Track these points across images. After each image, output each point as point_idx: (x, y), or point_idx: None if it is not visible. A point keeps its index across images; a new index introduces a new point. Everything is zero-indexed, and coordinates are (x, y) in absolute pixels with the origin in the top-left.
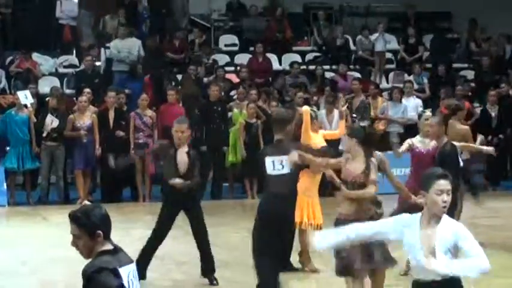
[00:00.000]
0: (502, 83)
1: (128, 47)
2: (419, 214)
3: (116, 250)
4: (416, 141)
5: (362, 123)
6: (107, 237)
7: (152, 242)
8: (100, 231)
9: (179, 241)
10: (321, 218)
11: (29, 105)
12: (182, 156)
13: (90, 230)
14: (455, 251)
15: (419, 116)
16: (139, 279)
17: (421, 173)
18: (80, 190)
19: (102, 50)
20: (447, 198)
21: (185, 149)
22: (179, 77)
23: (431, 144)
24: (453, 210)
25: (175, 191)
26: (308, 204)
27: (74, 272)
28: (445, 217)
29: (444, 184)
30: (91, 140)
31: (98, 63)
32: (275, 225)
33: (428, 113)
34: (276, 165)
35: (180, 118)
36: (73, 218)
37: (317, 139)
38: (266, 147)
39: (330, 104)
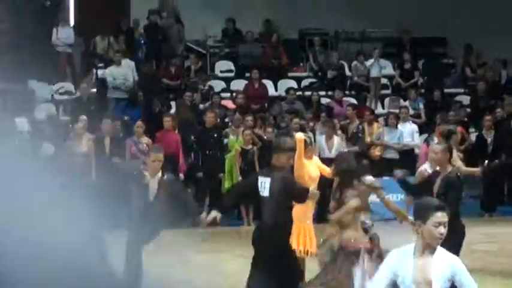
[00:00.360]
0: (497, 108)
1: (123, 74)
2: (412, 245)
3: None
4: (428, 167)
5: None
6: None
7: None
8: None
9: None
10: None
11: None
12: (154, 185)
13: None
14: (449, 284)
15: (428, 143)
16: None
17: None
18: None
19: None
20: (444, 230)
21: (158, 177)
22: (175, 103)
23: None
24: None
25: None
26: (302, 230)
27: None
28: (440, 248)
29: (442, 216)
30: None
31: (93, 90)
32: (264, 255)
33: (436, 141)
34: (261, 186)
35: (156, 146)
36: None
37: (311, 166)
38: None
39: (329, 129)
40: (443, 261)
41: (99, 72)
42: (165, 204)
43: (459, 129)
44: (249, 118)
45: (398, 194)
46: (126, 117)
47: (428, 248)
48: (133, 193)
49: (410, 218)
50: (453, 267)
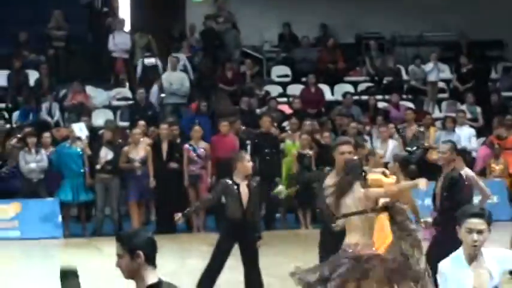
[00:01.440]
0: None
1: (179, 79)
2: (460, 251)
3: (160, 284)
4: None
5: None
6: (149, 260)
7: (210, 273)
8: (140, 252)
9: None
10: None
11: (83, 138)
12: (244, 190)
13: (131, 249)
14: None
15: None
16: None
17: None
18: (134, 221)
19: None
20: (477, 237)
21: (246, 181)
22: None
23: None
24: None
25: (236, 223)
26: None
27: None
28: (486, 251)
29: (475, 223)
30: (145, 171)
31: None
32: None
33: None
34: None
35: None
36: (117, 237)
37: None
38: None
39: (385, 133)
40: (493, 262)
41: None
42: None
43: None
44: (308, 122)
45: None
46: (196, 121)
47: (470, 256)
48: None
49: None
50: (501, 259)
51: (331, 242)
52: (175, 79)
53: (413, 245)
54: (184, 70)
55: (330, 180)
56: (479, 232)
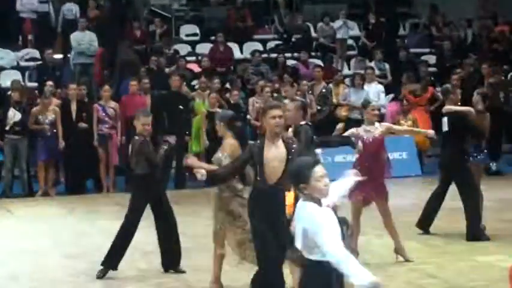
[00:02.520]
0: (463, 66)
1: (88, 39)
2: None
3: None
4: (361, 130)
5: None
6: None
7: (125, 234)
8: None
9: (144, 231)
10: None
11: None
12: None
13: None
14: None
15: (364, 105)
16: (113, 270)
17: (366, 161)
18: (41, 182)
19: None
20: None
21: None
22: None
23: (376, 132)
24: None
25: (146, 182)
26: None
27: (39, 264)
28: None
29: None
30: (54, 132)
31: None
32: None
33: (373, 102)
34: None
35: (145, 111)
36: None
37: None
38: None
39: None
40: None
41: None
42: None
43: (430, 89)
44: (216, 81)
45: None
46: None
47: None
48: None
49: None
50: None
51: None
52: (84, 39)
53: (242, 204)
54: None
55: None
56: None
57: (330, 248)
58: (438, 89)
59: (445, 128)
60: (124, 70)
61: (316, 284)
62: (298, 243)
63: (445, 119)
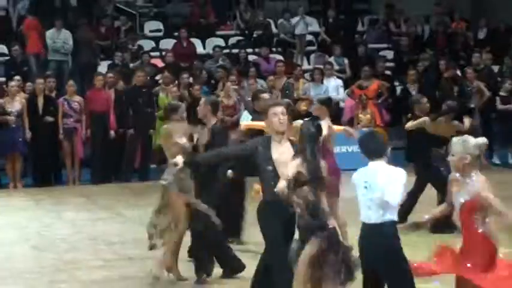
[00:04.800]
0: (420, 61)
1: (63, 37)
2: None
3: None
4: None
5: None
6: None
7: None
8: None
9: (109, 222)
10: None
11: None
12: None
13: None
14: None
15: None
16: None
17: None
18: (10, 174)
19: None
20: None
21: None
22: (106, 63)
23: None
24: None
25: None
26: None
27: (6, 255)
28: None
29: None
30: (20, 124)
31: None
32: None
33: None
34: None
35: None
36: None
37: None
38: None
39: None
40: None
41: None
42: None
43: (376, 82)
44: (185, 75)
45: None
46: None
47: None
48: None
49: None
50: None
51: None
52: (59, 37)
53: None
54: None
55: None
56: None
57: None
58: (396, 83)
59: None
60: (81, 50)
61: None
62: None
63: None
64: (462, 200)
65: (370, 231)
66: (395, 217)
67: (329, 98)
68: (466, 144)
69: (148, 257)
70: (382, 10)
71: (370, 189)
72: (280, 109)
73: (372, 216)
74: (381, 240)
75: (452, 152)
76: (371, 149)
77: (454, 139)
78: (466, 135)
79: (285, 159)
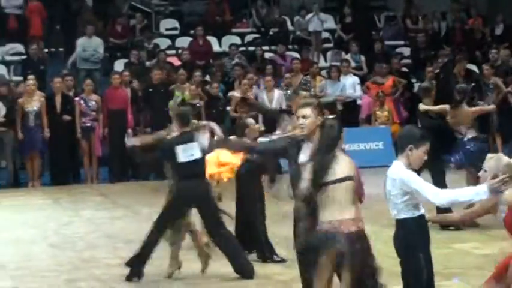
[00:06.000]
0: (438, 58)
1: (94, 45)
2: None
3: None
4: None
5: None
6: None
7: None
8: None
9: (127, 220)
10: None
11: None
12: None
13: None
14: None
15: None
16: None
17: None
18: (30, 173)
19: None
20: None
21: None
22: (122, 61)
23: None
24: None
25: None
26: None
27: (24, 253)
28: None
29: None
30: (39, 124)
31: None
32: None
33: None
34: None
35: None
36: None
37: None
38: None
39: (270, 82)
40: None
41: None
42: None
43: (392, 78)
44: (197, 74)
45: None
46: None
47: None
48: None
49: None
50: None
51: None
52: (90, 45)
53: None
54: None
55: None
56: None
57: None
58: (414, 80)
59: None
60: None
61: None
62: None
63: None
64: (503, 214)
65: None
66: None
67: (333, 102)
68: (499, 163)
69: (165, 255)
70: (399, 7)
71: None
72: (302, 111)
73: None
74: None
75: (485, 167)
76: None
77: (489, 155)
78: (500, 154)
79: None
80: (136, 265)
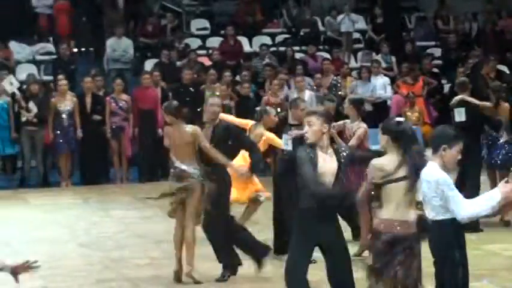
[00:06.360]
0: (469, 59)
1: (123, 46)
2: None
3: None
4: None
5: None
6: None
7: None
8: None
9: (157, 220)
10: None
11: (16, 92)
12: None
13: None
14: None
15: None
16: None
17: None
18: (63, 172)
19: None
20: None
21: None
22: (153, 61)
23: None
24: None
25: None
26: None
27: (54, 253)
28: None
29: None
30: (71, 123)
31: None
32: None
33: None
34: None
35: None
36: None
37: None
38: None
39: (301, 83)
40: None
41: None
42: None
43: (421, 78)
44: (227, 74)
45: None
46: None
47: None
48: None
49: None
50: None
51: None
52: (120, 46)
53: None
54: None
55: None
56: None
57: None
58: (444, 81)
59: (461, 118)
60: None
61: None
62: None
63: (461, 110)
64: None
65: None
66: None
67: (360, 98)
68: None
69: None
70: (430, 7)
71: None
72: (307, 118)
73: None
74: None
75: None
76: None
77: None
78: None
79: (326, 168)
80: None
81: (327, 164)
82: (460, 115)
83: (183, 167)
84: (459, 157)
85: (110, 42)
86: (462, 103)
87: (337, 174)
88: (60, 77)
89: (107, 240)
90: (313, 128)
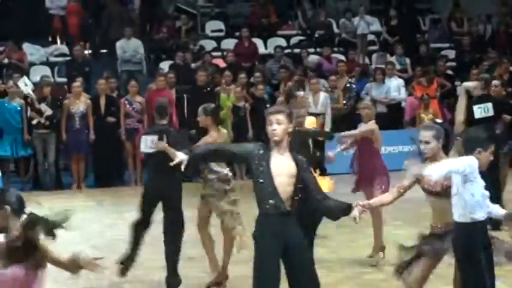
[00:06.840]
0: (483, 61)
1: (133, 46)
2: None
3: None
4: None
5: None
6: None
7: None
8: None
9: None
10: None
11: (31, 93)
12: None
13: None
14: None
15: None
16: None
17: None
18: (75, 175)
19: None
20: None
21: None
22: (168, 63)
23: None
24: None
25: None
26: None
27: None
28: None
29: None
30: (84, 125)
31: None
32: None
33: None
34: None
35: None
36: None
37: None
38: None
39: (316, 85)
40: None
41: None
42: None
43: (436, 79)
44: (242, 76)
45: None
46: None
47: None
48: None
49: None
50: None
51: None
52: (129, 47)
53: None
54: None
55: None
56: None
57: None
58: (458, 82)
59: (489, 113)
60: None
61: None
62: None
63: (488, 105)
64: None
65: None
66: None
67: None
68: None
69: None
70: (444, 9)
71: None
72: (273, 117)
73: None
74: None
75: None
76: None
77: None
78: None
79: (280, 169)
80: None
81: (281, 164)
82: (486, 110)
83: (225, 171)
84: (491, 158)
85: (120, 43)
86: (486, 98)
87: (297, 176)
88: (78, 79)
89: (120, 242)
90: (282, 126)
